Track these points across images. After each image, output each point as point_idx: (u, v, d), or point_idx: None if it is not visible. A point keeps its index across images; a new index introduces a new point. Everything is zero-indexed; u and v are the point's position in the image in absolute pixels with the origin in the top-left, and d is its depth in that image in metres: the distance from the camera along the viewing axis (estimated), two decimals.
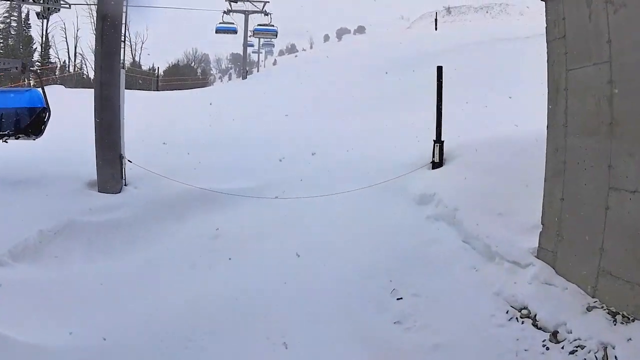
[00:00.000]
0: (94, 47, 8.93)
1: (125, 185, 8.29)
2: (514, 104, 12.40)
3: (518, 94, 13.14)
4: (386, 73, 18.02)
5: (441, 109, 8.66)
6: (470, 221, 5.83)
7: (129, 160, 8.21)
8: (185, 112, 15.36)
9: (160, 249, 6.44)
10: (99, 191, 7.96)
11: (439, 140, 8.54)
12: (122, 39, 8.17)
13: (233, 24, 31.38)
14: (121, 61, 8.07)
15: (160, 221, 7.17)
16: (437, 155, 8.46)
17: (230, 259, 6.01)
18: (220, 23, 30.60)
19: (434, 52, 18.67)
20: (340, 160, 10.15)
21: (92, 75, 48.34)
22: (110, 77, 7.77)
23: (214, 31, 30.16)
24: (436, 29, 32.30)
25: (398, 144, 10.83)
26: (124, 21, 8.12)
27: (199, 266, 5.98)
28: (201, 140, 10.88)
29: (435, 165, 8.48)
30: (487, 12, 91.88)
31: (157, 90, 33.10)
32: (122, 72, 8.24)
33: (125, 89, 8.44)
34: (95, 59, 8.28)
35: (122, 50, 8.12)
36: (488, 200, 6.07)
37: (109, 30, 7.68)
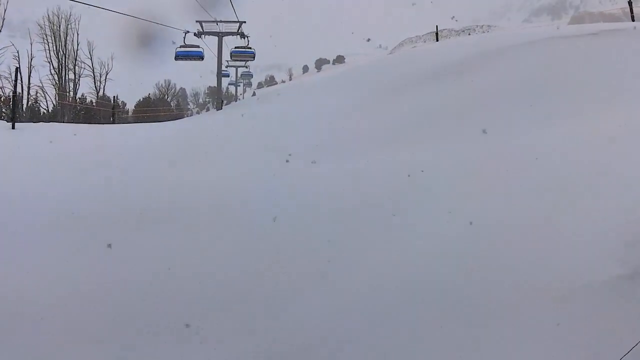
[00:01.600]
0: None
1: None
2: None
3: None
4: (398, 89, 13.22)
5: None
6: None
7: None
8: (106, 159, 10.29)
9: None
10: None
11: None
12: None
13: (198, 47, 24.83)
14: None
15: None
16: None
17: None
18: (180, 47, 23.98)
19: (467, 58, 14.01)
20: (412, 277, 4.91)
21: (50, 107, 43.17)
22: None
23: (174, 57, 23.77)
24: (437, 39, 28.30)
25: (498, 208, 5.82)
26: None
27: None
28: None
29: None
30: (469, 34, 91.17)
31: (114, 122, 27.75)
32: None
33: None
34: None
35: None
36: None
37: None
